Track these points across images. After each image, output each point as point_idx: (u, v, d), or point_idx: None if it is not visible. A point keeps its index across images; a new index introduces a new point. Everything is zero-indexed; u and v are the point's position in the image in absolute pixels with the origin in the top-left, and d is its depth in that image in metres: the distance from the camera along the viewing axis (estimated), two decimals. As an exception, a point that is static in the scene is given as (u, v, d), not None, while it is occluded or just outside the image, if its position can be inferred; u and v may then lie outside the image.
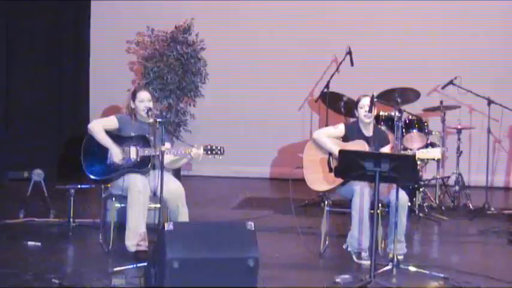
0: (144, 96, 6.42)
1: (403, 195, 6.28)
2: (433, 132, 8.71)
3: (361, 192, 6.26)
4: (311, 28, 11.34)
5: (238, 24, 11.57)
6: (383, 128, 7.87)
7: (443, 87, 8.77)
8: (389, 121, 8.35)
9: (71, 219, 7.33)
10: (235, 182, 11.05)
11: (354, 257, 6.32)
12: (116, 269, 5.70)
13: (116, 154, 6.30)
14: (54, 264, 6.02)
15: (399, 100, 8.14)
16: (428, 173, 9.10)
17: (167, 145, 6.22)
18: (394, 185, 6.12)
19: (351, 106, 8.20)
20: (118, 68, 11.29)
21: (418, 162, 6.34)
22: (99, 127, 6.37)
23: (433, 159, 6.46)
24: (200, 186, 10.09)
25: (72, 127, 10.75)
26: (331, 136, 6.62)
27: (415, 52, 11.09)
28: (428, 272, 5.88)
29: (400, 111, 7.81)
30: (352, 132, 6.63)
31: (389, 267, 5.88)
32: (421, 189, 8.51)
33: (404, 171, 5.47)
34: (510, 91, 10.10)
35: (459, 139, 9.09)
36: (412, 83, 8.73)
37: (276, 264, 6.09)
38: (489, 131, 8.67)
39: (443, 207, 8.85)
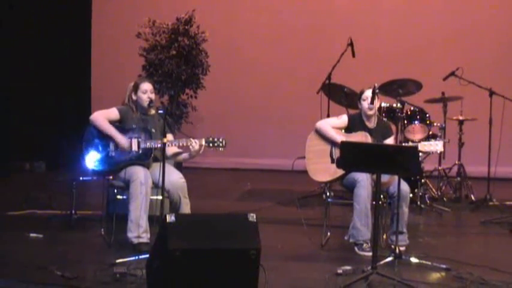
0: (147, 87, 6.42)
1: (404, 187, 6.29)
2: (435, 124, 8.70)
3: (363, 184, 6.26)
4: (313, 20, 11.35)
5: (240, 16, 11.58)
6: (385, 119, 7.86)
7: (445, 79, 8.75)
8: (391, 112, 8.34)
9: (73, 211, 7.34)
10: (237, 174, 11.06)
11: (356, 248, 6.32)
12: (118, 260, 5.70)
13: (121, 142, 6.29)
14: (56, 255, 6.03)
15: (401, 91, 8.19)
16: (430, 164, 9.10)
17: (169, 137, 6.21)
18: (396, 176, 6.12)
19: (352, 97, 8.20)
20: (119, 60, 11.30)
21: (420, 154, 6.32)
22: (101, 117, 6.36)
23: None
24: (202, 178, 10.10)
25: (73, 118, 10.74)
26: (334, 127, 6.61)
27: (416, 43, 11.09)
28: (430, 263, 5.88)
29: (402, 103, 7.82)
30: (355, 124, 6.62)
31: (391, 258, 5.88)
32: (423, 181, 8.51)
33: (406, 162, 5.46)
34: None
35: (461, 130, 9.09)
36: (414, 74, 8.72)
37: (277, 256, 6.09)
38: (491, 122, 8.67)
39: (445, 199, 8.87)
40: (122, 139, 6.31)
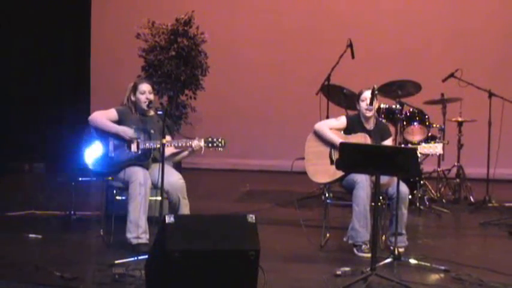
0: (145, 88, 6.42)
1: (404, 188, 6.28)
2: (434, 125, 8.70)
3: (362, 185, 6.26)
4: (312, 21, 11.35)
5: (239, 17, 11.58)
6: (383, 121, 7.86)
7: (444, 80, 8.76)
8: (390, 114, 8.34)
9: (72, 212, 7.34)
10: (236, 175, 11.06)
11: (355, 250, 6.32)
12: (117, 261, 5.70)
13: (125, 131, 6.27)
14: (56, 256, 6.03)
15: (400, 92, 8.19)
16: (429, 166, 9.10)
17: (168, 138, 6.21)
18: (395, 178, 6.12)
19: (351, 98, 8.20)
20: (119, 60, 11.30)
21: (419, 155, 6.32)
22: (100, 116, 6.36)
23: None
24: (201, 179, 10.09)
25: (73, 119, 10.74)
26: (333, 128, 6.61)
27: (416, 44, 11.09)
28: (429, 265, 5.88)
29: (401, 104, 7.82)
30: (354, 125, 6.62)
31: (390, 259, 5.89)
32: (422, 182, 8.51)
33: (406, 164, 5.46)
34: (511, 83, 10.13)
35: (460, 132, 9.10)
36: (413, 75, 8.72)
37: (276, 257, 6.10)
38: (490, 124, 8.67)
39: (444, 200, 8.87)
40: (125, 129, 6.29)
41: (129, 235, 6.17)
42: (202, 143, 6.20)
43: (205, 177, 10.57)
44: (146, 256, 5.29)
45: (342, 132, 6.65)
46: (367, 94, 6.52)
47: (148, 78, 9.66)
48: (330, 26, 11.20)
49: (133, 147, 6.30)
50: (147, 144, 6.28)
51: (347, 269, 5.67)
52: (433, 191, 8.91)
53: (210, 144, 6.21)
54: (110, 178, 6.45)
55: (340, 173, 6.32)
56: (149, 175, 6.26)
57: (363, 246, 6.28)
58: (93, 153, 6.35)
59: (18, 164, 10.86)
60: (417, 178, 8.22)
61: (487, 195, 8.66)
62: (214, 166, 11.16)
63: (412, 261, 5.97)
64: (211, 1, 11.45)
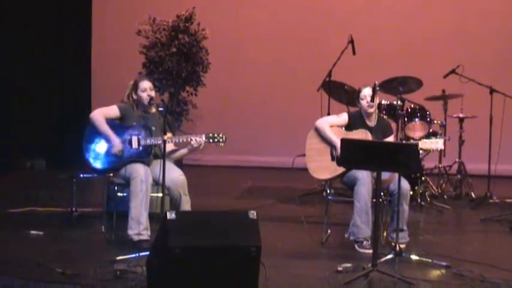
0: (146, 85, 6.42)
1: (405, 184, 6.28)
2: (435, 121, 8.70)
3: (363, 181, 6.26)
4: (313, 17, 11.34)
5: (240, 13, 11.57)
6: (385, 117, 7.85)
7: (445, 76, 8.75)
8: (391, 110, 8.34)
9: (74, 209, 7.34)
10: (237, 171, 11.06)
11: (356, 246, 6.33)
12: (118, 257, 5.71)
13: (115, 146, 6.29)
14: (57, 253, 6.03)
15: (401, 89, 8.18)
16: (430, 162, 9.10)
17: (169, 134, 6.21)
18: (396, 174, 6.12)
19: (352, 95, 8.20)
20: (119, 57, 11.29)
21: (420, 152, 6.33)
22: (100, 117, 6.36)
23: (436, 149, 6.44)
24: (202, 176, 10.08)
25: (74, 116, 10.74)
26: (334, 125, 6.61)
27: (417, 40, 11.08)
28: (430, 261, 5.89)
29: (402, 100, 7.82)
30: (356, 122, 6.62)
31: (391, 256, 5.88)
32: (423, 178, 8.51)
33: (407, 160, 5.46)
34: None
35: (461, 128, 9.09)
36: (414, 71, 8.72)
37: (278, 253, 6.10)
38: (491, 120, 8.67)
39: (445, 196, 8.86)
40: (115, 141, 6.30)
41: (130, 232, 6.18)
42: (203, 139, 6.20)
43: (207, 174, 10.57)
44: (147, 252, 5.30)
45: (344, 128, 6.65)
46: (365, 92, 6.53)
47: (149, 74, 9.66)
48: (331, 22, 11.19)
49: (134, 144, 6.30)
50: (148, 141, 6.29)
51: (348, 265, 5.67)
52: (434, 187, 8.91)
53: (211, 140, 6.22)
54: (111, 175, 6.45)
55: (341, 170, 6.32)
56: (150, 172, 6.26)
57: (364, 242, 6.29)
58: (94, 150, 6.35)
59: (19, 161, 10.86)
60: (418, 174, 8.22)
61: (488, 192, 8.66)
62: (215, 162, 11.16)
63: (414, 257, 5.97)
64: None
